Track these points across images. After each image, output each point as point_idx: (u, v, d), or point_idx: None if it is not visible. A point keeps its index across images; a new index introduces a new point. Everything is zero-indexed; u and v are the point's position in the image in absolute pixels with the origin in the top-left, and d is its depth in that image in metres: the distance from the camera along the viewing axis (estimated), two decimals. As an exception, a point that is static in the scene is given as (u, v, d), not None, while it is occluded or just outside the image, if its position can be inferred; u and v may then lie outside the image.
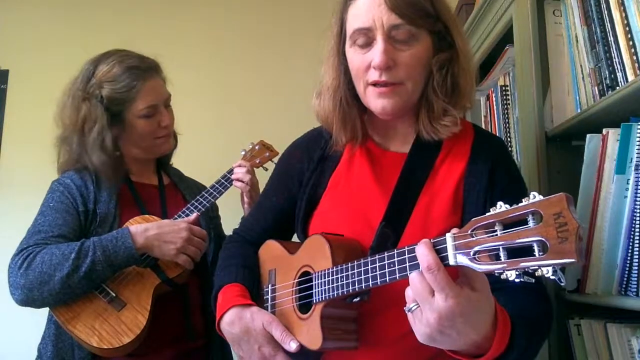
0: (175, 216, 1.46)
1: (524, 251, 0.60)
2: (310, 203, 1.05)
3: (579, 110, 1.13)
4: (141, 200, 1.48)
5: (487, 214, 0.64)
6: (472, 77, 1.00)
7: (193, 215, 1.44)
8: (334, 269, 0.89)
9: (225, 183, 1.54)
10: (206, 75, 2.69)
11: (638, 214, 0.92)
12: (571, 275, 1.07)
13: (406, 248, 0.75)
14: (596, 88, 1.06)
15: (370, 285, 0.81)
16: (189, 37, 2.74)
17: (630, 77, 0.96)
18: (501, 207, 0.63)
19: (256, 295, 1.04)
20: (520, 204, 0.60)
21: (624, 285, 0.93)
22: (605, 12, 1.03)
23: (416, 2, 0.90)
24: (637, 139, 0.94)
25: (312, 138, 1.11)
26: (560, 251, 0.56)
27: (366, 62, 0.93)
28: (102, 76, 1.42)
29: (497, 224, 0.63)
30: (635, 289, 0.90)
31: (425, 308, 0.68)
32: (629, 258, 0.92)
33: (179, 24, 2.76)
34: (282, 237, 1.11)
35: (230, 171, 1.57)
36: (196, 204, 1.49)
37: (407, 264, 0.74)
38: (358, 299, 0.88)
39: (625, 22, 0.97)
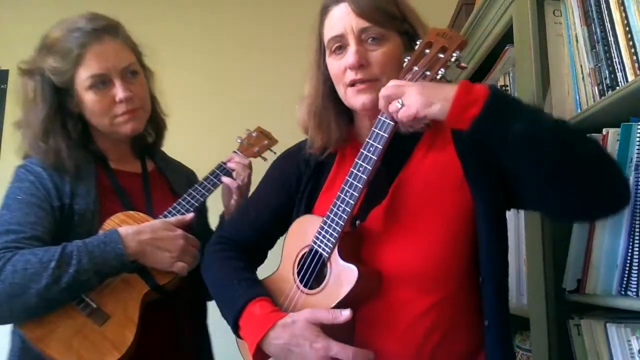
0: (165, 213, 1.25)
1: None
2: (308, 205, 1.08)
3: (579, 110, 1.12)
4: (123, 192, 1.26)
5: (404, 63, 0.94)
6: None
7: (188, 216, 1.24)
8: (327, 213, 0.96)
9: (221, 175, 1.36)
10: (202, 73, 2.70)
11: (638, 214, 0.92)
12: (571, 275, 1.07)
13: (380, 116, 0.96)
14: (596, 88, 1.06)
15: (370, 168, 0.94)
16: (187, 37, 2.75)
17: (630, 77, 0.96)
18: (408, 58, 0.94)
19: None
20: (415, 48, 0.94)
21: (624, 285, 0.93)
22: (605, 12, 1.03)
23: (381, 7, 1.01)
24: (637, 139, 0.94)
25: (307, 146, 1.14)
26: (449, 44, 0.90)
27: (342, 65, 1.02)
28: (47, 44, 1.24)
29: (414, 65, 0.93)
30: (635, 289, 0.90)
31: (404, 89, 0.88)
32: (629, 258, 0.92)
33: (177, 23, 2.76)
34: (273, 239, 1.17)
35: (225, 162, 1.38)
36: (189, 199, 1.28)
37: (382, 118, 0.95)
38: (358, 220, 0.98)
39: (625, 22, 0.97)
